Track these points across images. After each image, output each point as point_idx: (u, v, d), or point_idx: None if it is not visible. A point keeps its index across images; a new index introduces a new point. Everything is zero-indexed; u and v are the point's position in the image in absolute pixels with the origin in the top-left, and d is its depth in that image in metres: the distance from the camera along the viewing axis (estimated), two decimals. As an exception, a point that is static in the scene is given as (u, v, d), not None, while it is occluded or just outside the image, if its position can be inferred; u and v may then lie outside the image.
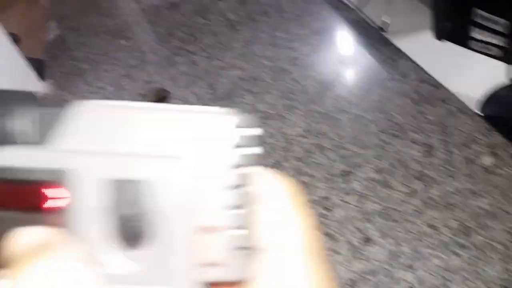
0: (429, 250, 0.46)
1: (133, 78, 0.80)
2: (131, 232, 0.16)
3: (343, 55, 0.72)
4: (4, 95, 0.16)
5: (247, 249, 0.16)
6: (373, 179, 0.56)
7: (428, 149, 0.57)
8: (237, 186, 0.16)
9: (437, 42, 0.78)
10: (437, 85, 0.65)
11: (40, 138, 0.16)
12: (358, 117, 0.63)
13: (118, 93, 0.86)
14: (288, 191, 0.18)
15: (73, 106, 0.16)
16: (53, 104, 0.16)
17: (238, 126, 0.16)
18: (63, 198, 0.16)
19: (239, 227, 0.16)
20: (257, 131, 0.16)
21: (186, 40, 0.86)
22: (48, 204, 0.16)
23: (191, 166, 0.16)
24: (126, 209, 0.15)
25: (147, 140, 0.16)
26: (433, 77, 0.66)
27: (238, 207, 0.16)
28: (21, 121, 0.16)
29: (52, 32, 0.96)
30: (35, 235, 0.15)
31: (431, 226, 0.48)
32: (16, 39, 0.74)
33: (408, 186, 0.53)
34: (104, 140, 0.16)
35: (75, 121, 0.16)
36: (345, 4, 0.81)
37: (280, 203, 0.17)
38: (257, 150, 0.16)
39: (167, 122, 0.16)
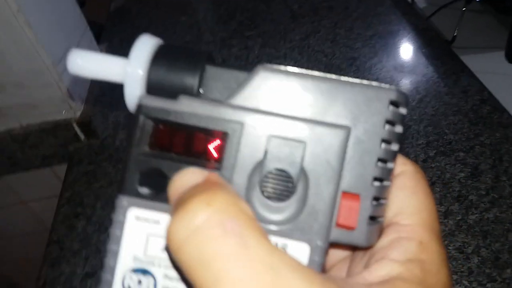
0: (454, 276, 0.44)
1: (186, 53, 0.82)
2: (279, 185, 0.17)
3: (405, 62, 0.69)
4: (199, 53, 0.19)
5: (380, 220, 0.18)
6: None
7: (475, 172, 0.54)
8: (385, 160, 0.18)
9: (507, 64, 0.74)
10: (499, 108, 0.61)
11: (221, 96, 0.18)
12: (408, 127, 0.60)
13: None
14: (421, 175, 0.19)
15: (257, 70, 0.18)
16: (240, 68, 0.19)
17: (392, 102, 0.17)
18: (223, 148, 0.18)
19: (379, 199, 0.18)
20: (405, 110, 0.18)
21: (245, 24, 0.87)
22: (213, 152, 0.18)
23: (347, 134, 0.17)
24: (278, 164, 0.17)
25: (314, 105, 0.18)
26: (496, 99, 0.63)
27: (382, 179, 0.18)
28: (210, 80, 0.19)
29: (118, 0, 1.01)
30: (197, 175, 0.17)
31: (461, 251, 0.46)
32: (81, 1, 0.78)
33: (444, 206, 0.50)
34: (276, 102, 0.18)
35: (255, 84, 0.18)
36: (415, 11, 0.79)
37: (414, 185, 0.19)
38: (401, 129, 0.18)
39: (330, 91, 0.18)
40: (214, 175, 0.17)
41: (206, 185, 0.16)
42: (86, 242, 0.56)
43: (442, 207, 0.50)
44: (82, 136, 0.70)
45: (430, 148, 0.57)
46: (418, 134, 0.59)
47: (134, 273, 0.18)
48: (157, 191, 0.18)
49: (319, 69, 0.78)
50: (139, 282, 0.18)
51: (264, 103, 0.18)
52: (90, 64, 0.19)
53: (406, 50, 0.73)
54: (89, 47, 0.75)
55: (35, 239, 0.80)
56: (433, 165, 0.55)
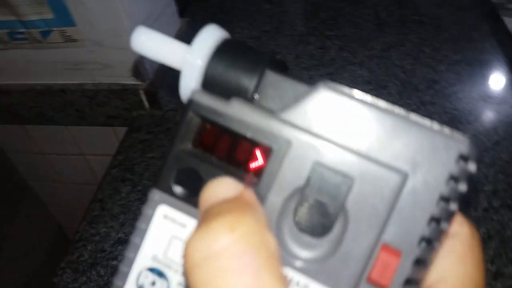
0: None
1: (261, 43, 0.81)
2: (315, 219, 0.16)
3: (489, 97, 0.64)
4: (261, 56, 0.18)
5: (417, 285, 0.16)
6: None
7: (542, 237, 0.49)
8: (438, 220, 0.16)
9: None
10: None
11: (275, 106, 0.17)
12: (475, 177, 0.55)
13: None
14: (476, 242, 0.17)
15: (318, 87, 0.16)
16: (301, 79, 0.17)
17: (462, 156, 0.15)
18: (265, 165, 0.17)
19: (422, 261, 0.16)
20: (474, 167, 0.16)
21: (327, 23, 0.84)
22: (253, 165, 0.17)
23: (403, 181, 0.15)
24: (319, 196, 0.16)
25: (372, 140, 0.16)
26: None
27: (431, 241, 0.16)
28: (268, 86, 0.18)
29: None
30: (232, 187, 0.16)
31: (504, 320, 0.42)
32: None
33: (496, 266, 0.46)
34: (331, 128, 0.16)
35: (313, 102, 0.16)
36: (515, 43, 0.72)
37: (465, 252, 0.17)
38: (465, 188, 0.16)
39: (395, 129, 0.16)
40: (248, 193, 0.16)
41: (237, 203, 0.15)
42: (127, 208, 0.58)
43: (493, 266, 0.46)
44: (146, 104, 0.72)
45: (495, 198, 0.52)
46: (486, 180, 0.54)
47: (150, 272, 0.18)
48: (190, 193, 0.17)
49: (395, 85, 0.74)
50: (153, 283, 0.18)
51: (318, 124, 0.16)
52: (153, 44, 0.19)
53: (494, 84, 0.66)
54: (170, 19, 0.76)
55: (86, 191, 0.84)
56: (494, 218, 0.51)
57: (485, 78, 0.67)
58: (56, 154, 0.85)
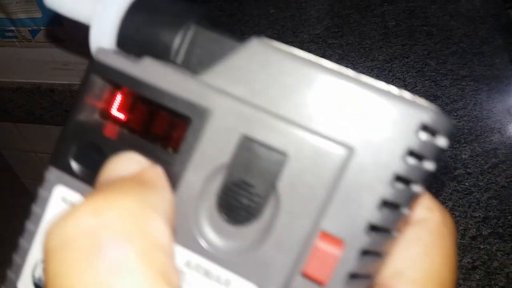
0: None
1: (259, 49, 0.81)
2: (241, 203, 0.14)
3: (492, 116, 0.62)
4: (189, 9, 0.16)
5: (364, 280, 0.14)
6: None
7: (530, 272, 0.46)
8: (394, 204, 0.13)
9: None
10: None
11: (199, 66, 0.15)
12: (468, 193, 0.54)
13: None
14: (448, 230, 0.15)
15: (248, 42, 0.14)
16: (231, 35, 0.15)
17: (425, 126, 0.13)
18: (182, 138, 0.14)
19: (371, 252, 0.14)
20: (445, 142, 0.14)
21: (332, 31, 0.83)
22: (169, 139, 0.15)
23: (347, 157, 0.13)
24: (246, 175, 0.14)
25: (311, 108, 0.14)
26: None
27: (382, 230, 0.13)
28: (195, 45, 0.15)
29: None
30: (134, 163, 0.14)
31: None
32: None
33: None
34: (263, 92, 0.14)
35: (241, 60, 0.14)
36: (529, 59, 0.69)
37: (432, 241, 0.15)
38: (433, 166, 0.14)
39: (341, 94, 0.14)
40: (153, 170, 0.14)
41: (128, 182, 0.13)
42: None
43: (471, 299, 0.44)
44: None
45: (485, 225, 0.50)
46: (477, 205, 0.52)
47: None
48: (92, 172, 0.15)
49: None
50: None
51: (247, 88, 0.14)
52: None
53: (500, 102, 0.64)
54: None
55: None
56: (482, 247, 0.49)
57: (490, 96, 0.65)
58: (47, 154, 0.87)
